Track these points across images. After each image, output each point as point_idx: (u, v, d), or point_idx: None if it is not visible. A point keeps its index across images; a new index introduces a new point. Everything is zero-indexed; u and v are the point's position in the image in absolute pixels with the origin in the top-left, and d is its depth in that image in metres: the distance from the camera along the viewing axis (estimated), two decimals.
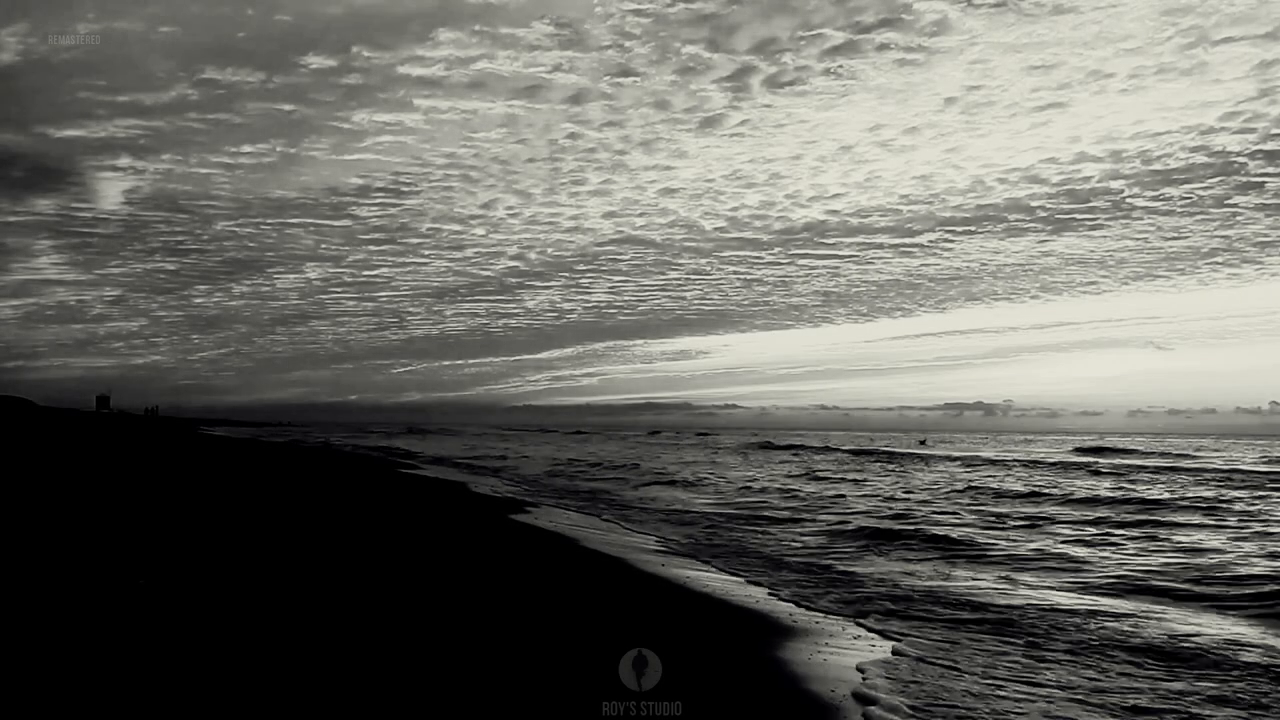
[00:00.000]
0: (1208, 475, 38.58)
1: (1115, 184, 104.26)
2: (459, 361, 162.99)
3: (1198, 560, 15.72)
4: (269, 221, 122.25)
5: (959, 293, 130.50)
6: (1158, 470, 42.76)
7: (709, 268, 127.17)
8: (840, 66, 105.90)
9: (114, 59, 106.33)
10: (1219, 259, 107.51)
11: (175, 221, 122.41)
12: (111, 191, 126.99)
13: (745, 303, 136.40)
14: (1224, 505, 25.55)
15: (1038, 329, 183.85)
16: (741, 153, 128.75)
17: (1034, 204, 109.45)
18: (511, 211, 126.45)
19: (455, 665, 7.57)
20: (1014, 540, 18.43)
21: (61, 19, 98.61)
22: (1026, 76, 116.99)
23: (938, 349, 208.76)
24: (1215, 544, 17.78)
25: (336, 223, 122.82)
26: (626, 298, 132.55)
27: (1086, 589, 13.21)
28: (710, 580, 13.16)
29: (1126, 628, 10.54)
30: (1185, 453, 65.90)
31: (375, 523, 17.50)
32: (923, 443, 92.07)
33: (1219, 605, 12.19)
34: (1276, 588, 12.99)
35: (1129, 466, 46.02)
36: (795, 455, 62.79)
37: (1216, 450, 73.41)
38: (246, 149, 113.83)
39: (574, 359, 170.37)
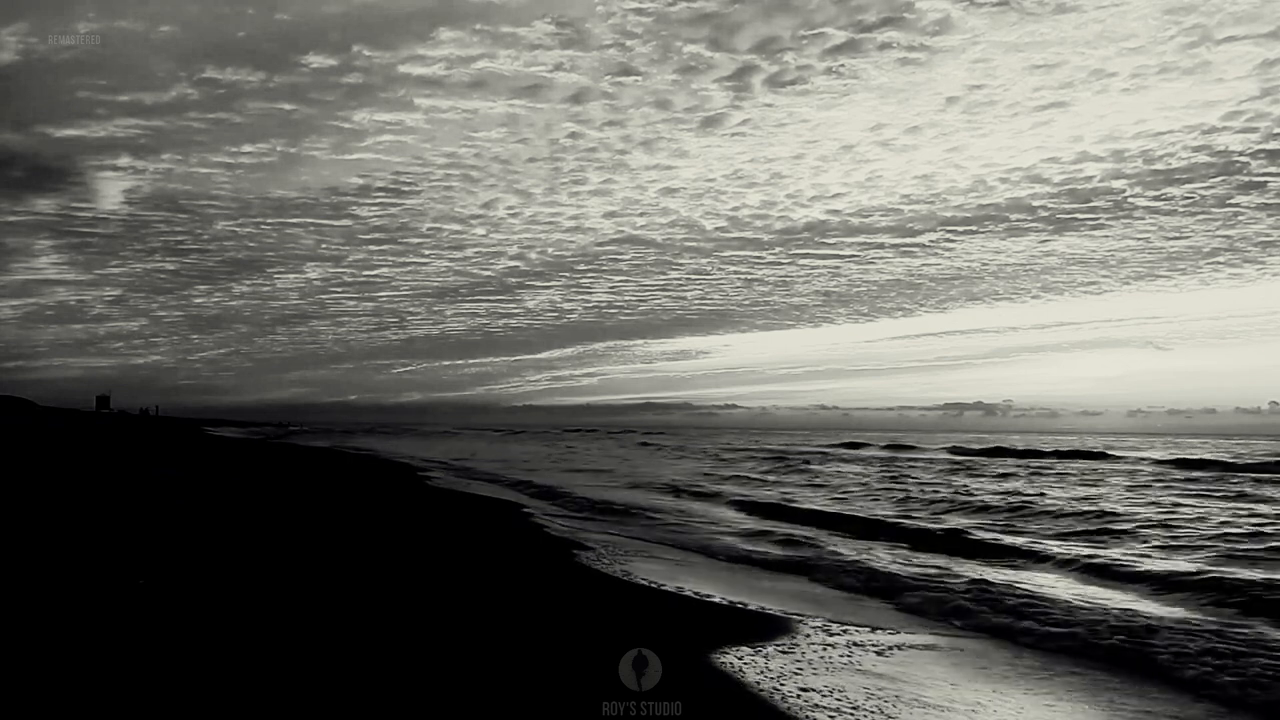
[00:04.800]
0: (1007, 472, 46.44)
1: (1117, 183, 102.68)
2: (459, 361, 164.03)
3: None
4: (269, 221, 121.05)
5: (960, 293, 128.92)
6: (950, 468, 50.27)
7: (709, 268, 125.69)
8: (842, 66, 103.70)
9: (114, 59, 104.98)
10: (1220, 259, 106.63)
11: (175, 221, 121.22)
12: (111, 191, 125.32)
13: (746, 303, 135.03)
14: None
15: (1038, 329, 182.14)
16: (742, 152, 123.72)
17: (1035, 204, 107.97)
18: (512, 211, 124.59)
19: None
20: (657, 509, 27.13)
21: (61, 19, 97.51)
22: (1028, 76, 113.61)
23: (938, 349, 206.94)
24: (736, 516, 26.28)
25: (336, 222, 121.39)
26: (627, 298, 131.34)
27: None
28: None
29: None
30: (1098, 451, 61.35)
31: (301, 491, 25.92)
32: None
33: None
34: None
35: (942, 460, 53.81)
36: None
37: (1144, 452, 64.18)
38: (246, 149, 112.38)
39: (574, 359, 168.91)
